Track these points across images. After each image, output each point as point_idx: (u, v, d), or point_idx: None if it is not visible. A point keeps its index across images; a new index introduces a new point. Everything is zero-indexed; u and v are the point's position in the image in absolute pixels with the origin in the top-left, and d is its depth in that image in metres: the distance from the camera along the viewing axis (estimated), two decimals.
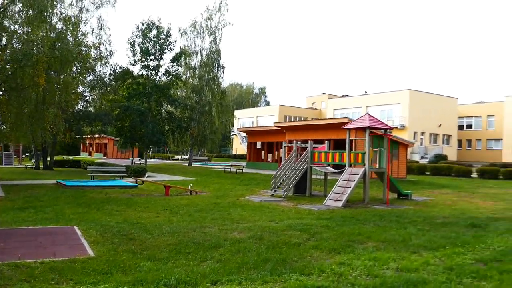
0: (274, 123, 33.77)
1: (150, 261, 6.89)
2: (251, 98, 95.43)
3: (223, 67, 38.39)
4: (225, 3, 37.01)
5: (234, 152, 68.98)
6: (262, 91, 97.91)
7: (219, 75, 38.15)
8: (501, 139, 51.77)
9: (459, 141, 57.93)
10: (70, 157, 44.87)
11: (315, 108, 70.69)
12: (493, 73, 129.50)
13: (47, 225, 9.88)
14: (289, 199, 16.58)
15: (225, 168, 30.72)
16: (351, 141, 24.16)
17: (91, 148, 66.64)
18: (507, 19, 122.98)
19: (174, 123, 35.88)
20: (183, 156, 58.33)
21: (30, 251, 7.28)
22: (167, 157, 62.11)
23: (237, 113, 74.77)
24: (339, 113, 57.02)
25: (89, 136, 37.60)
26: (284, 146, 19.59)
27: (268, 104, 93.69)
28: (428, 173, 33.17)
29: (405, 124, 48.89)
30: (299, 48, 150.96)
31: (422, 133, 50.66)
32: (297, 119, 62.89)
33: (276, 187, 17.68)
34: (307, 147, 17.69)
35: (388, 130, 16.26)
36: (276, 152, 37.76)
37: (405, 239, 9.03)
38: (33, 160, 36.47)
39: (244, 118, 72.92)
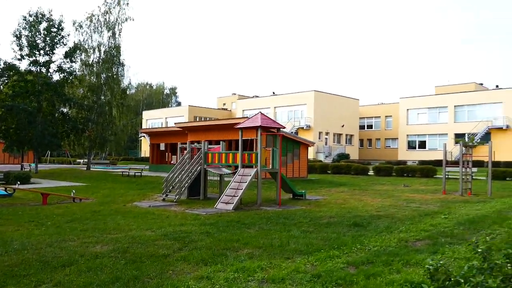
0: (175, 123, 32.53)
1: None
2: (161, 98, 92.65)
3: (123, 65, 36.29)
4: None
5: (142, 155, 66.30)
6: (173, 91, 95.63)
7: (119, 73, 35.94)
8: (397, 138, 55.37)
9: (361, 141, 61.07)
10: None
11: (226, 109, 70.39)
12: (391, 76, 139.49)
13: None
14: (180, 204, 15.64)
15: (123, 172, 28.87)
16: (253, 141, 24.08)
17: None
18: (403, 27, 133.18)
19: (69, 125, 33.06)
20: (84, 160, 54.68)
21: None
22: (68, 161, 57.94)
23: (145, 114, 72.07)
24: (248, 114, 57.12)
25: None
26: (180, 148, 18.57)
27: (179, 104, 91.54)
28: (329, 172, 34.12)
29: (310, 124, 50.24)
30: (211, 49, 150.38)
31: (327, 133, 52.48)
32: (207, 120, 62.06)
33: (168, 191, 16.64)
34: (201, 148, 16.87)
35: (280, 129, 15.95)
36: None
37: (282, 244, 8.58)
38: None
39: (152, 119, 70.46)
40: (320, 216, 12.38)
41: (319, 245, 8.46)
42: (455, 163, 22.54)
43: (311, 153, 48.89)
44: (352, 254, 7.82)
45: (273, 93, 59.42)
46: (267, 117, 15.59)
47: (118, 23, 34.94)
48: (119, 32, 35.08)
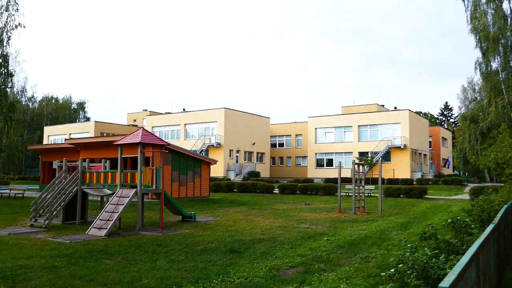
0: (65, 139, 29.93)
1: None
2: (68, 113, 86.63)
3: (11, 75, 32.79)
4: (15, 1, 31.81)
5: None
6: (81, 106, 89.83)
7: (6, 84, 32.38)
8: (307, 156, 56.55)
9: (273, 159, 61.56)
10: None
11: (136, 125, 67.50)
12: (303, 96, 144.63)
13: None
14: (50, 230, 13.76)
15: (1, 193, 25.68)
16: (148, 158, 22.58)
17: None
18: (314, 49, 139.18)
19: None
20: None
21: None
22: None
23: (47, 129, 66.75)
24: (158, 131, 55.07)
25: None
26: (58, 166, 16.62)
27: (88, 120, 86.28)
28: (236, 190, 33.40)
29: (221, 142, 49.52)
30: (124, 63, 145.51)
31: (238, 151, 52.06)
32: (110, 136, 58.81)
33: (38, 215, 14.62)
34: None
35: (163, 147, 14.78)
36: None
37: (134, 279, 7.44)
38: None
39: (55, 135, 65.39)
40: (199, 241, 11.37)
41: (177, 279, 7.44)
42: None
43: (221, 171, 48.10)
44: None
45: (184, 109, 58.01)
46: (150, 133, 14.39)
47: (7, 30, 31.65)
48: (7, 40, 31.74)
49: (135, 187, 13.89)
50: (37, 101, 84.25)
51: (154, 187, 14.12)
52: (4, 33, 31.34)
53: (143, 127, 13.92)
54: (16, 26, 31.97)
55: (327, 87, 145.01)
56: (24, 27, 31.93)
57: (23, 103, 71.60)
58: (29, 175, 61.76)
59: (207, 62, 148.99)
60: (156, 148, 14.77)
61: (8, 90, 33.01)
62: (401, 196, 28.05)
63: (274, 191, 32.39)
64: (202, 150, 48.94)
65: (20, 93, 66.08)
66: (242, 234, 12.51)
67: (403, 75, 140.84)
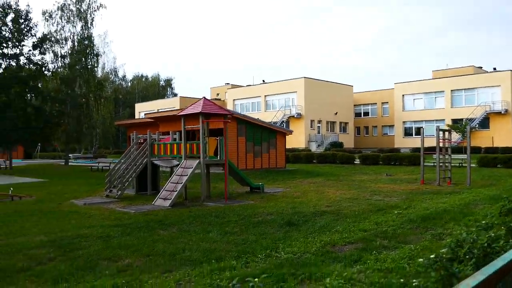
0: (145, 114, 31.09)
1: None
2: (157, 90, 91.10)
3: (97, 55, 34.78)
4: None
5: None
6: (168, 83, 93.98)
7: (93, 63, 34.45)
8: (394, 125, 53.51)
9: (358, 128, 59.27)
10: None
11: (219, 99, 68.78)
12: (387, 61, 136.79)
13: None
14: (122, 200, 14.23)
15: (92, 166, 27.53)
16: (218, 130, 22.53)
17: None
18: (398, 11, 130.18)
19: (41, 119, 31.68)
20: (74, 154, 53.48)
21: None
22: (58, 156, 56.83)
23: (138, 106, 70.69)
24: (238, 103, 55.60)
25: None
26: (132, 140, 17.11)
27: (175, 96, 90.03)
28: (315, 161, 32.54)
29: (301, 112, 48.57)
30: (205, 38, 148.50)
31: (319, 121, 50.78)
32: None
33: (112, 186, 15.20)
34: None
35: (226, 116, 14.40)
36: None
37: (177, 251, 7.16)
38: None
39: (145, 111, 69.06)
40: (258, 212, 10.90)
41: (221, 252, 7.01)
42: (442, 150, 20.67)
43: (303, 143, 47.33)
44: (251, 265, 6.35)
45: (263, 81, 57.64)
46: (212, 102, 14.06)
47: (90, 12, 33.44)
48: (91, 21, 33.58)
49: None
50: (129, 80, 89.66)
51: (218, 158, 13.87)
52: (88, 15, 33.06)
53: (205, 97, 13.60)
54: (98, 8, 33.57)
55: (415, 51, 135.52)
56: (106, 7, 33.41)
57: (116, 82, 76.52)
58: (124, 149, 66.44)
59: (287, 31, 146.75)
60: (218, 117, 14.43)
61: (96, 69, 35.04)
62: (499, 166, 25.14)
63: (355, 162, 30.99)
64: (282, 121, 48.49)
65: (113, 73, 70.48)
66: (306, 206, 11.81)
67: (505, 35, 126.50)
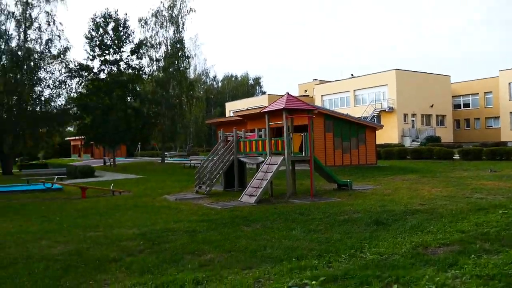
0: (233, 112, 31.70)
1: None
2: (246, 89, 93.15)
3: (188, 57, 36.37)
4: None
5: None
6: (257, 81, 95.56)
7: (185, 65, 36.12)
8: (499, 117, 48.87)
9: (457, 121, 55.14)
10: (45, 160, 43.48)
11: (307, 95, 68.25)
12: (484, 47, 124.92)
13: None
14: (211, 196, 14.64)
15: (184, 163, 28.85)
16: (305, 126, 22.19)
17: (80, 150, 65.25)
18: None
19: (140, 119, 33.98)
20: (170, 152, 56.65)
21: None
22: (156, 154, 60.61)
23: (228, 105, 72.77)
24: (327, 99, 54.68)
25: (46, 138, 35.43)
26: (219, 137, 17.53)
27: (264, 94, 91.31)
28: (409, 157, 30.82)
29: (393, 106, 46.37)
30: (292, 35, 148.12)
31: (413, 115, 48.06)
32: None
33: (202, 182, 15.70)
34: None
35: (311, 112, 14.05)
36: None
37: (259, 248, 7.10)
38: None
39: (234, 110, 70.91)
40: (344, 210, 10.48)
41: (303, 251, 6.81)
42: None
43: (395, 138, 45.17)
44: (334, 264, 6.06)
45: (352, 75, 55.97)
46: (295, 98, 13.83)
47: (181, 16, 35.09)
48: (182, 25, 35.22)
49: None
50: (219, 81, 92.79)
51: (303, 154, 13.63)
52: (179, 19, 34.64)
53: (288, 93, 13.44)
54: (188, 12, 35.04)
55: None
56: (195, 11, 34.76)
57: (208, 83, 79.65)
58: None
59: (375, 21, 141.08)
60: (302, 113, 14.16)
61: (187, 71, 36.66)
62: None
63: (454, 157, 28.77)
64: (373, 116, 46.74)
65: (204, 74, 73.40)
66: (397, 204, 11.11)
67: None
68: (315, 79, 69.94)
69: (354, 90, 51.48)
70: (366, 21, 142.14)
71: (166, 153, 43.08)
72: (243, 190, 15.42)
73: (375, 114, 46.89)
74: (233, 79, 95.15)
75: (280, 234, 8.17)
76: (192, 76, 48.71)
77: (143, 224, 9.66)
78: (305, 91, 70.90)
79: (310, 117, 13.72)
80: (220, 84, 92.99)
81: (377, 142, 27.58)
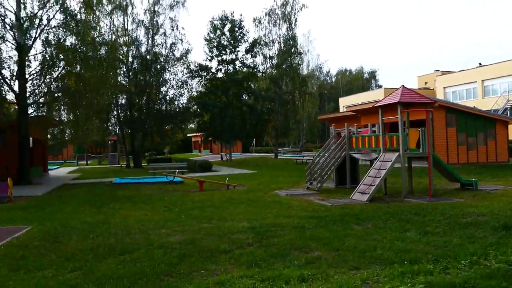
0: (346, 107, 30.82)
1: (21, 272, 5.96)
2: (360, 83, 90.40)
3: (300, 53, 36.48)
4: None
5: None
6: (372, 75, 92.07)
7: (297, 62, 36.33)
8: None
9: None
10: (169, 155, 47.23)
11: (428, 88, 63.81)
12: None
13: (6, 225, 9.73)
14: (322, 192, 14.49)
15: (296, 159, 29.01)
16: (420, 121, 20.68)
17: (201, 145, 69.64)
18: None
19: (255, 116, 35.09)
20: (284, 148, 57.52)
21: None
22: (270, 150, 62.10)
23: (342, 100, 71.38)
24: (450, 91, 50.52)
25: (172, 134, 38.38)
26: (331, 133, 17.27)
27: (380, 87, 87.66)
28: None
29: None
30: (410, 24, 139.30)
31: None
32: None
33: (312, 179, 15.61)
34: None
35: (429, 105, 13.00)
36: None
37: (368, 248, 6.78)
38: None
39: (348, 105, 69.30)
40: (467, 212, 9.55)
41: (417, 254, 6.35)
42: None
43: None
44: (452, 271, 5.55)
45: (480, 64, 50.74)
46: (411, 91, 12.93)
47: (294, 13, 35.33)
48: (295, 22, 35.45)
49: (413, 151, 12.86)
50: (333, 76, 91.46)
51: (421, 151, 12.75)
52: (292, 16, 34.90)
53: (403, 86, 12.65)
54: (300, 8, 35.12)
55: None
56: (307, 7, 34.71)
57: (321, 78, 79.06)
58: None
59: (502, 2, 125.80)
60: (419, 107, 13.20)
61: (300, 67, 36.84)
62: None
63: None
64: (505, 109, 41.98)
65: (317, 69, 72.98)
66: None
67: None
68: (436, 70, 65.08)
69: (482, 81, 46.71)
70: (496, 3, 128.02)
71: (279, 149, 43.90)
72: (355, 187, 15.00)
73: (508, 107, 42.01)
74: (347, 73, 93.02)
75: (392, 235, 7.73)
76: (305, 72, 48.80)
77: (253, 218, 9.91)
78: (425, 83, 66.34)
79: (429, 111, 12.73)
80: (333, 79, 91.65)
81: (510, 138, 24.69)
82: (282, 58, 36.00)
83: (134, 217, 10.71)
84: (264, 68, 37.09)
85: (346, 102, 70.64)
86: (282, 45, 36.74)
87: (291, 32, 35.84)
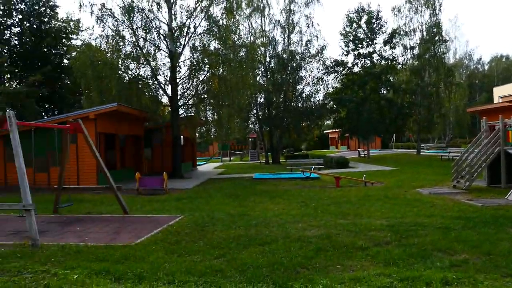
0: (501, 97, 27.14)
1: (174, 255, 6.66)
2: None
3: (445, 41, 33.51)
4: None
5: None
6: None
7: (442, 50, 33.50)
8: None
9: None
10: (306, 152, 47.82)
11: None
12: None
13: (163, 214, 10.94)
14: (471, 191, 13.23)
15: (442, 156, 26.79)
16: None
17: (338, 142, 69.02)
18: None
19: (394, 110, 33.51)
20: (427, 144, 53.68)
21: (101, 236, 8.26)
22: (412, 146, 58.65)
23: (496, 90, 63.74)
24: None
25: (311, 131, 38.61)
26: (482, 126, 15.58)
27: None
28: None
29: None
30: None
31: None
32: None
33: (460, 176, 14.33)
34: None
35: None
36: None
37: None
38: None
39: (504, 96, 61.58)
40: None
41: None
42: None
43: None
44: None
45: None
46: None
47: None
48: (439, 7, 32.70)
49: None
50: (485, 63, 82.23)
51: None
52: (436, 1, 32.32)
53: None
54: None
55: None
56: None
57: (471, 67, 71.69)
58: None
59: None
60: None
61: (445, 56, 33.99)
62: None
63: None
64: None
65: (466, 57, 66.37)
66: None
67: None
68: None
69: None
70: None
71: (422, 145, 41.18)
72: (511, 187, 13.37)
73: None
74: (502, 59, 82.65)
75: None
76: (451, 61, 44.85)
77: (392, 216, 9.53)
78: None
79: None
80: (486, 67, 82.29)
81: None
82: (424, 48, 33.59)
83: (272, 210, 11.16)
84: (404, 59, 35.09)
85: (501, 92, 62.68)
86: (424, 33, 34.31)
87: (434, 18, 33.23)
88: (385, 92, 35.30)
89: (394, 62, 33.94)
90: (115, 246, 7.26)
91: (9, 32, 28.46)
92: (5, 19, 27.87)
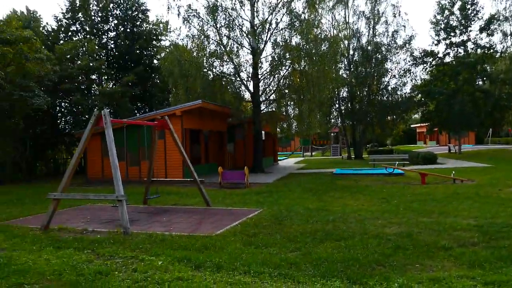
0: None
1: (251, 247, 6.87)
2: None
3: None
4: None
5: None
6: None
7: None
8: None
9: None
10: (392, 147, 46.06)
11: None
12: None
13: (242, 207, 11.27)
14: None
15: None
16: None
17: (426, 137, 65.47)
18: None
19: (490, 103, 31.01)
20: None
21: (184, 226, 8.77)
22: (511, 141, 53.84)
23: None
24: None
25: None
26: None
27: None
28: None
29: None
30: None
31: None
32: None
33: None
34: None
35: None
36: None
37: None
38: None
39: None
40: None
41: None
42: None
43: None
44: None
45: None
46: None
47: None
48: None
49: None
50: None
51: None
52: None
53: None
54: None
55: None
56: None
57: None
58: None
59: None
60: None
61: None
62: None
63: None
64: None
65: None
66: None
67: None
68: None
69: None
70: None
71: None
72: None
73: None
74: None
75: None
76: None
77: (481, 216, 8.90)
78: None
79: None
80: None
81: None
82: None
83: (351, 206, 10.98)
84: (503, 47, 32.14)
85: None
86: None
87: None
88: (480, 83, 32.76)
89: (492, 50, 31.31)
90: (196, 236, 7.66)
91: (106, 36, 30.92)
92: (102, 25, 30.34)
